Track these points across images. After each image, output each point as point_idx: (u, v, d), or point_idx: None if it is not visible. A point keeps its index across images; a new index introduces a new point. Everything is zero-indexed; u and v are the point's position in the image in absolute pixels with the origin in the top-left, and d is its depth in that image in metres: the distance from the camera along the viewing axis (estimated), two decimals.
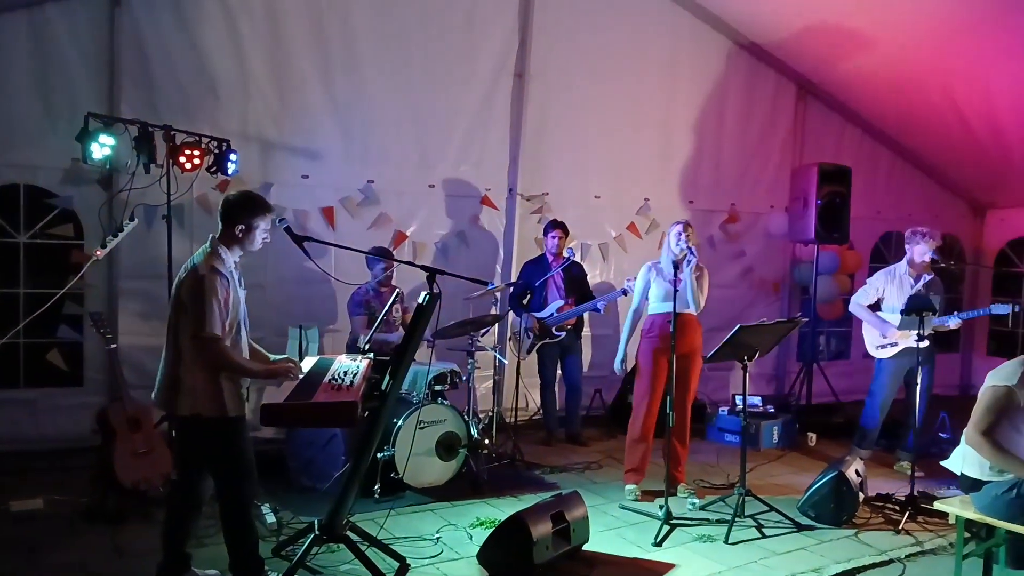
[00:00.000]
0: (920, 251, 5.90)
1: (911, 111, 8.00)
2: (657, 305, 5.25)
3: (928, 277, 5.95)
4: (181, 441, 3.65)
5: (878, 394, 6.06)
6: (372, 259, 5.70)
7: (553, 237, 6.48)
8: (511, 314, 6.68)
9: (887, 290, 6.02)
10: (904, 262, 6.04)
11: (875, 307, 6.12)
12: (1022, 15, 6.10)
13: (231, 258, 3.52)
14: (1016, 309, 5.69)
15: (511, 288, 6.54)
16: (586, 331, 6.92)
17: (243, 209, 3.52)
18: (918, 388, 5.51)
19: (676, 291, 4.84)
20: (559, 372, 6.72)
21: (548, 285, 6.51)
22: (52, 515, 4.57)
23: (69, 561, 3.99)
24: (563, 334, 6.47)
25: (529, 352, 6.50)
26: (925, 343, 5.34)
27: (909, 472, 5.16)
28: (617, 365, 5.42)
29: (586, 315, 6.74)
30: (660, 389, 5.18)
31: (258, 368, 3.61)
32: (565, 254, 6.44)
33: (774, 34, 7.66)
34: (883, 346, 5.99)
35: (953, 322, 5.78)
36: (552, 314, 6.42)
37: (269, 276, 6.04)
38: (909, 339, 5.62)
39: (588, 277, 6.77)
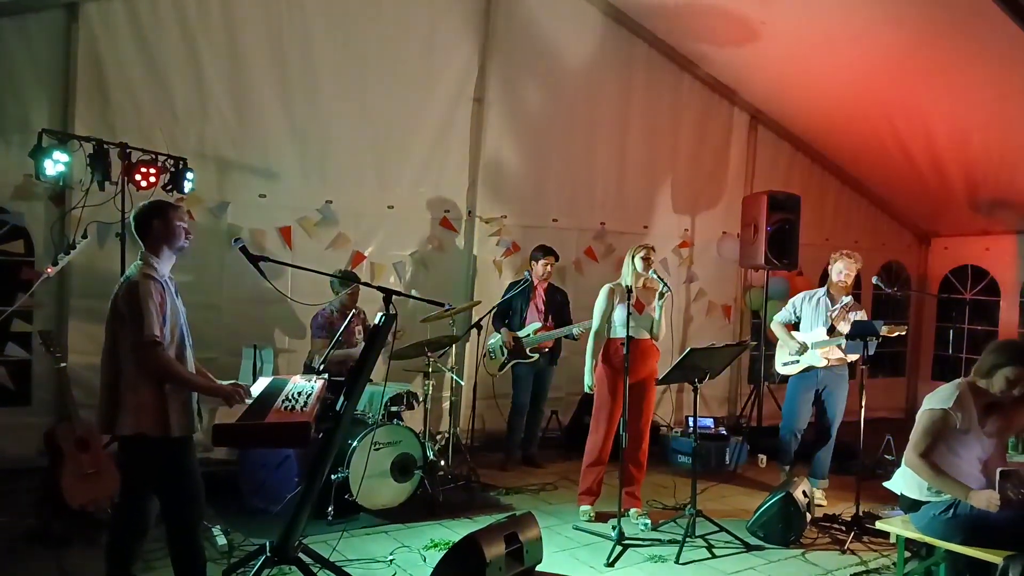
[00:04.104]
0: (836, 270, 5.90)
1: (858, 143, 8.30)
2: (621, 329, 5.14)
3: (847, 300, 5.92)
4: (125, 462, 3.56)
5: (786, 411, 6.11)
6: (338, 282, 5.68)
7: (545, 264, 6.40)
8: (481, 333, 6.54)
9: (803, 310, 6.06)
10: (827, 286, 6.08)
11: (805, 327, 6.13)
12: (954, 57, 6.43)
13: (164, 268, 3.49)
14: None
15: (477, 306, 6.54)
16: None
17: (153, 209, 3.50)
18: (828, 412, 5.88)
19: (629, 315, 4.96)
20: None
21: (529, 307, 6.52)
22: None
23: None
24: (537, 355, 6.49)
25: (502, 370, 6.50)
26: (836, 362, 5.79)
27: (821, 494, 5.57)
28: (588, 388, 5.33)
29: (563, 341, 6.74)
30: (618, 414, 5.16)
31: (203, 383, 3.53)
32: (524, 275, 6.49)
33: (727, 67, 7.90)
34: (787, 363, 6.06)
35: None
36: (529, 335, 6.45)
37: (224, 296, 6.00)
38: (812, 358, 5.84)
39: None
